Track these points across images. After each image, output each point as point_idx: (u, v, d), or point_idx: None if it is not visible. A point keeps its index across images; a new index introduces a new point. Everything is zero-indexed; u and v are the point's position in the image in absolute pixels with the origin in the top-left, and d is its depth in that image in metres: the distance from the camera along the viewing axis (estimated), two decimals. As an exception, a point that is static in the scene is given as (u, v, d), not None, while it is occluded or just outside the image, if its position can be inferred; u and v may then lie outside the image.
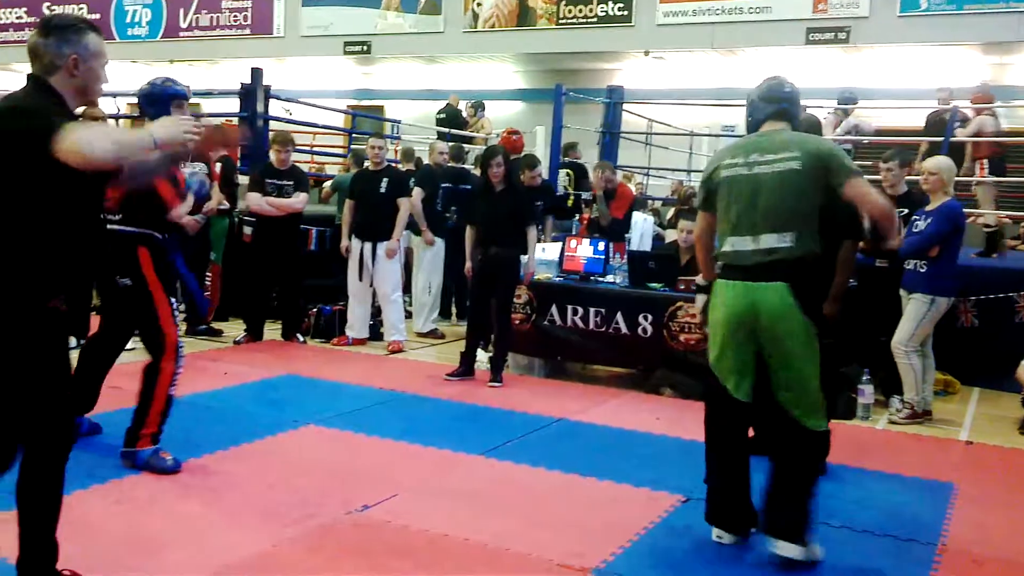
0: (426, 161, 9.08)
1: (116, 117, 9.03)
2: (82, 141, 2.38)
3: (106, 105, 8.11)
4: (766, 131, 3.50)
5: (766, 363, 3.39)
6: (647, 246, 8.08)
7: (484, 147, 9.81)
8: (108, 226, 4.29)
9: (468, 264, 6.52)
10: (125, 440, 4.13)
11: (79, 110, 2.77)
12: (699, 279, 3.85)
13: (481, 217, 6.41)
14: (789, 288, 3.28)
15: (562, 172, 9.42)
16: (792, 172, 3.31)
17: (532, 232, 6.40)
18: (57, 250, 2.47)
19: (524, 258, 6.38)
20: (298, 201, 7.44)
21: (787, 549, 3.32)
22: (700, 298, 3.80)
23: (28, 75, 2.64)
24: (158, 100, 4.41)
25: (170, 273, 4.36)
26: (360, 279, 7.42)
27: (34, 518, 2.65)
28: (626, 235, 7.89)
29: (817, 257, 3.36)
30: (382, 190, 7.26)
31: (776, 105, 3.54)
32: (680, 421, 5.41)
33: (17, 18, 18.77)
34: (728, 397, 3.48)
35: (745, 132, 3.65)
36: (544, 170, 10.06)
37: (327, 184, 9.28)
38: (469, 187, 7.97)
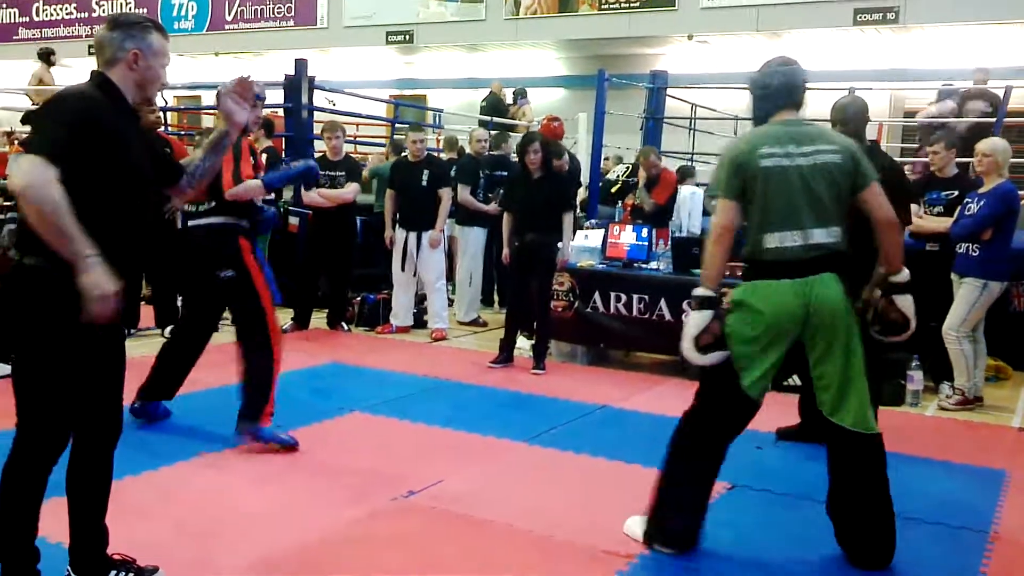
0: (467, 150, 9.09)
1: (164, 110, 9.15)
2: (18, 172, 2.37)
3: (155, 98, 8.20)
4: (790, 119, 3.35)
5: (806, 365, 3.27)
6: (696, 223, 7.92)
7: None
8: (202, 219, 4.35)
9: (505, 251, 6.53)
10: (245, 417, 4.24)
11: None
12: (702, 290, 3.25)
13: (518, 204, 6.41)
14: (840, 282, 3.20)
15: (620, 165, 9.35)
16: (834, 165, 3.22)
17: (568, 218, 6.38)
18: (103, 243, 2.51)
19: (561, 244, 6.36)
20: (349, 192, 7.50)
21: None
22: (703, 315, 3.20)
23: (92, 71, 2.69)
24: None
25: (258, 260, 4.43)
26: (403, 268, 7.47)
27: (83, 505, 2.72)
28: (670, 221, 7.82)
29: (850, 253, 3.27)
30: (423, 183, 7.28)
31: (793, 95, 3.38)
32: (725, 408, 5.38)
33: (68, 14, 19.12)
34: (746, 403, 3.25)
35: (753, 118, 3.45)
36: (585, 156, 10.03)
37: (365, 171, 9.31)
38: (506, 174, 7.95)
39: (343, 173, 7.49)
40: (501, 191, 7.93)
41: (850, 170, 3.23)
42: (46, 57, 12.39)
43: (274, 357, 4.30)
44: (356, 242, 8.44)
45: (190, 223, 4.47)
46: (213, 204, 4.34)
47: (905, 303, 3.32)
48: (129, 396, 4.52)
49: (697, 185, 9.09)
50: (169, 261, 6.97)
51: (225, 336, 7.24)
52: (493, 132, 9.40)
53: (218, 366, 5.64)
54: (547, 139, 6.81)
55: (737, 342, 3.19)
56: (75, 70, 19.76)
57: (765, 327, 3.15)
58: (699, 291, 3.26)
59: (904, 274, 3.33)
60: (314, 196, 7.43)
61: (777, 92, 3.36)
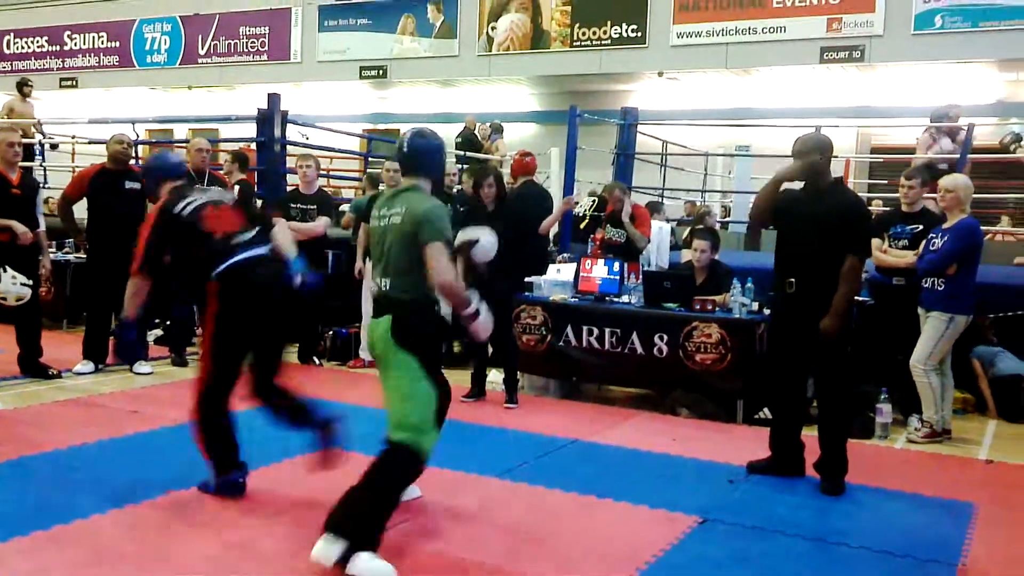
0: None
1: (137, 143, 9.12)
2: None
3: (126, 131, 8.19)
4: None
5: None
6: (665, 255, 7.97)
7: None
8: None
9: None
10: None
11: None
12: None
13: None
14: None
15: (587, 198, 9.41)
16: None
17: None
18: None
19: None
20: (319, 225, 7.48)
21: None
22: None
23: None
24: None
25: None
26: (374, 302, 7.44)
27: None
28: (640, 255, 7.86)
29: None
30: (396, 212, 7.28)
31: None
32: (696, 441, 5.39)
33: (39, 47, 19.07)
34: None
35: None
36: (557, 191, 10.09)
37: (346, 209, 9.26)
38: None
39: (315, 207, 7.47)
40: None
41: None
42: (20, 88, 12.45)
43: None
44: (327, 276, 8.43)
45: None
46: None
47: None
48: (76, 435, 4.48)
49: (667, 220, 9.17)
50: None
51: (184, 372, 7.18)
52: (461, 167, 9.43)
53: (178, 403, 5.59)
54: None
55: None
56: (45, 103, 19.71)
57: None
58: None
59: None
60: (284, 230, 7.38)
61: None
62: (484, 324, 3.61)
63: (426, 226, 3.42)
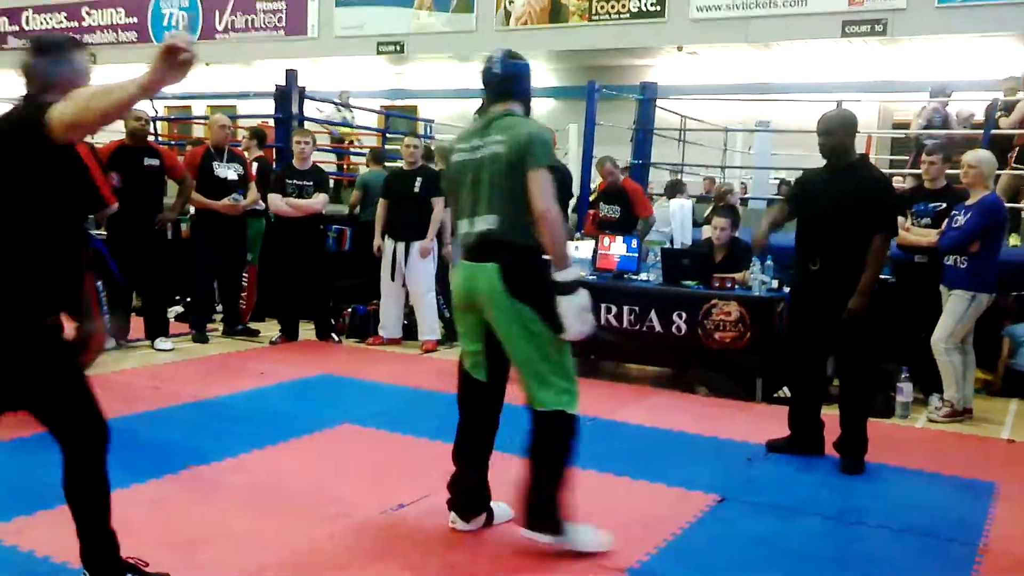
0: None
1: (155, 119, 9.14)
2: (70, 108, 2.39)
3: (144, 107, 8.20)
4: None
5: None
6: (688, 233, 7.94)
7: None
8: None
9: None
10: None
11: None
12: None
13: None
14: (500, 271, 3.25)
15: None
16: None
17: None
18: (50, 264, 2.53)
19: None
20: (317, 202, 7.46)
21: None
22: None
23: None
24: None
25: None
26: (392, 279, 7.46)
27: (84, 513, 2.76)
28: (635, 231, 7.84)
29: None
30: (416, 189, 7.28)
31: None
32: (715, 420, 5.38)
33: (58, 23, 19.10)
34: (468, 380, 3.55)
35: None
36: (575, 168, 10.04)
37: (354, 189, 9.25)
38: None
39: (311, 183, 7.47)
40: None
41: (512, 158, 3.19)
42: None
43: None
44: (336, 251, 8.46)
45: None
46: None
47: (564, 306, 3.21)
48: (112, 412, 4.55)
49: (688, 197, 9.12)
50: (161, 272, 6.96)
51: (205, 349, 7.24)
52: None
53: (197, 379, 5.64)
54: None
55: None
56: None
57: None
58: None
59: (564, 273, 3.20)
60: (281, 206, 7.40)
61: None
62: (575, 309, 3.18)
63: (533, 151, 3.16)
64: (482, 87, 3.40)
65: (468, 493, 3.51)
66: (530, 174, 3.15)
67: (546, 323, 3.21)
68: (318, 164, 7.96)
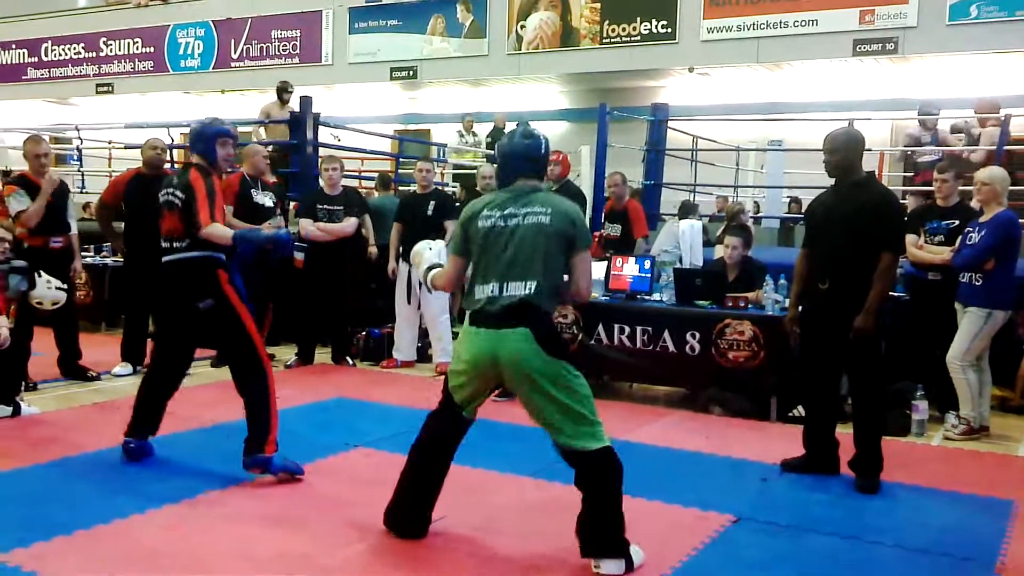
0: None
1: (171, 147, 9.24)
2: None
3: (161, 135, 8.31)
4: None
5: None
6: (698, 253, 7.94)
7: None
8: (177, 255, 4.42)
9: None
10: (250, 450, 4.31)
11: None
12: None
13: None
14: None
15: None
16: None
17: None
18: None
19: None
20: (348, 226, 7.54)
21: None
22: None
23: None
24: (203, 138, 4.53)
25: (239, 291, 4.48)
26: (408, 302, 7.49)
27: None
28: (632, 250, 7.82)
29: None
30: (429, 213, 7.33)
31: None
32: (729, 440, 5.37)
33: (76, 54, 19.36)
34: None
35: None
36: (588, 189, 10.08)
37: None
38: None
39: (341, 207, 7.54)
40: None
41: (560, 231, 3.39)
42: (280, 93, 10.76)
43: (268, 380, 4.38)
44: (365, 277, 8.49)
45: (165, 259, 4.50)
46: (187, 241, 4.39)
47: None
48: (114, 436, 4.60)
49: (699, 218, 9.11)
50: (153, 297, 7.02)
51: (222, 373, 7.27)
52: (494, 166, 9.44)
53: (213, 404, 5.67)
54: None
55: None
56: (82, 108, 20.01)
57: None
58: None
59: None
60: (312, 230, 7.47)
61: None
62: None
63: (583, 231, 3.41)
64: (499, 159, 3.58)
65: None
66: (581, 254, 3.41)
67: (579, 372, 3.47)
68: (348, 188, 8.04)
